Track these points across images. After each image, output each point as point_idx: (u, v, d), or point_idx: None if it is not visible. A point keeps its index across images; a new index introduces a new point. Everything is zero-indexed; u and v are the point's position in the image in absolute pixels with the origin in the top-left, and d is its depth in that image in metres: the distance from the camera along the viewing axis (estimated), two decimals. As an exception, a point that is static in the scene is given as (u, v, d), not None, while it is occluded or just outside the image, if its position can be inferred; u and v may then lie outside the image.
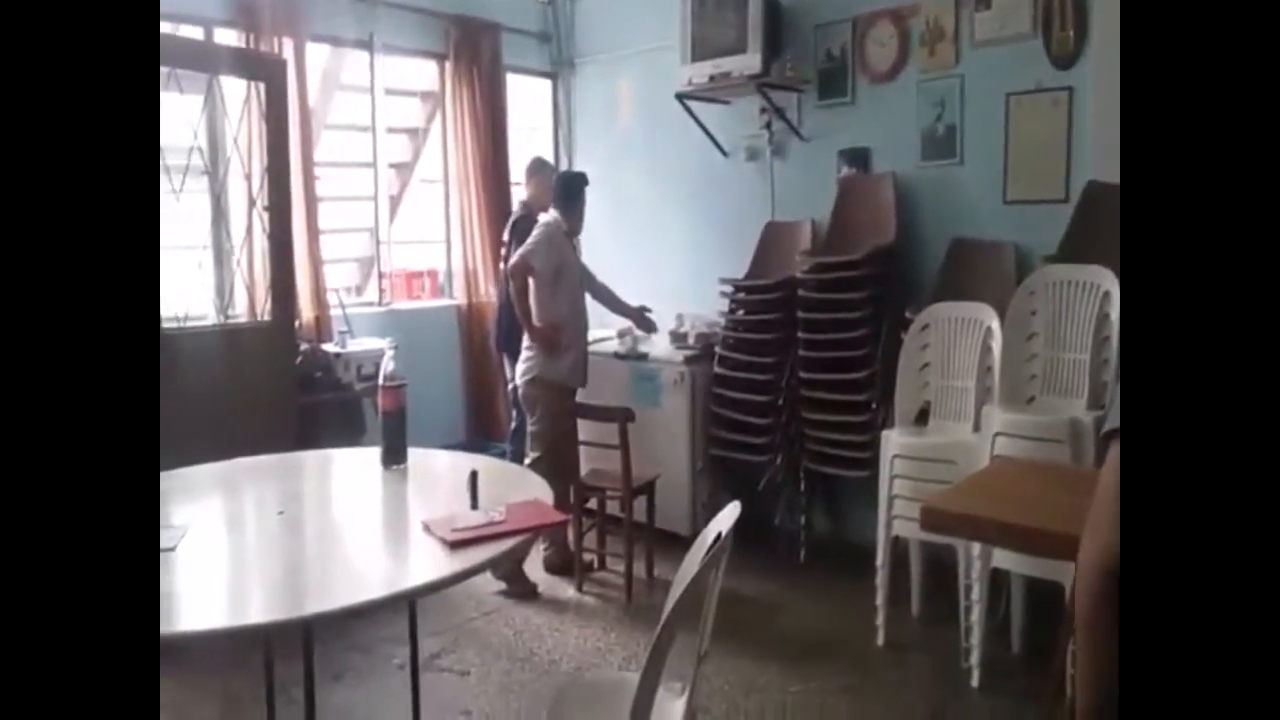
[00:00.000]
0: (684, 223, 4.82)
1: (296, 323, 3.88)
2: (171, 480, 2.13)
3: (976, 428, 3.09)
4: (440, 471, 2.24)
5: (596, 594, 3.67)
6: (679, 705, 1.72)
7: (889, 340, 3.57)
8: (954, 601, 3.04)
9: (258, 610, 1.58)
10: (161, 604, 1.52)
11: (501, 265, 4.28)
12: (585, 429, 3.76)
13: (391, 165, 5.06)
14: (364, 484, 2.21)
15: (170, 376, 3.12)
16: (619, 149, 5.14)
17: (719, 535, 1.66)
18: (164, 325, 3.18)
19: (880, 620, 3.13)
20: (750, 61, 3.99)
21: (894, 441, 3.16)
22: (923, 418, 3.34)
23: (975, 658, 2.83)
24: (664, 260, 4.84)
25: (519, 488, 2.02)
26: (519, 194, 4.77)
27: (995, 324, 3.17)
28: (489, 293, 4.91)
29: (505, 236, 4.33)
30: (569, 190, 3.84)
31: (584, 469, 3.77)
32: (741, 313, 4.04)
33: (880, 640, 3.12)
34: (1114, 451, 0.95)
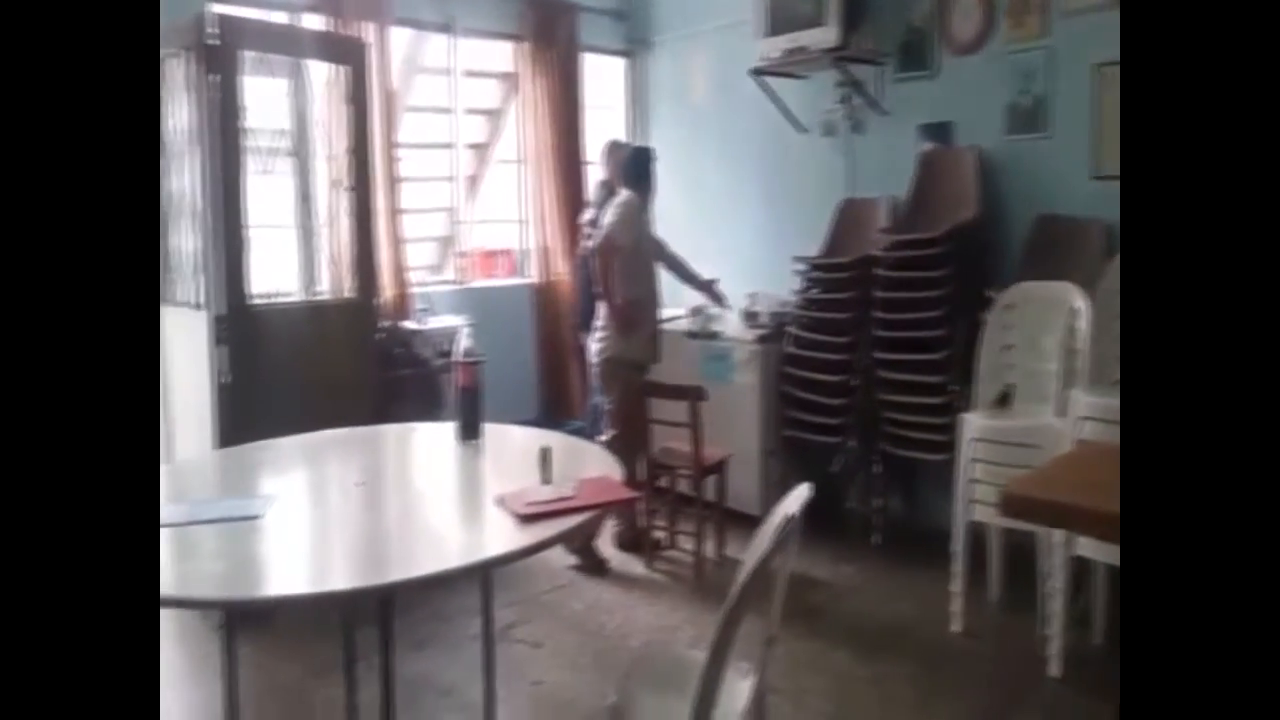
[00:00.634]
0: (758, 201, 4.76)
1: (378, 300, 4.00)
2: (262, 451, 2.23)
3: (1061, 412, 2.99)
4: (514, 446, 2.28)
5: (666, 571, 3.69)
6: (746, 686, 1.72)
7: (970, 320, 3.47)
8: (1033, 589, 2.96)
9: (339, 577, 1.64)
10: (249, 570, 1.60)
11: (583, 244, 4.31)
12: (657, 407, 3.78)
13: (470, 146, 5.14)
14: (440, 457, 2.26)
15: (261, 350, 3.28)
16: (693, 127, 5.11)
17: (789, 517, 1.65)
18: (254, 301, 3.31)
19: (956, 607, 3.07)
20: (828, 35, 3.90)
21: (973, 424, 3.08)
22: (1004, 400, 3.24)
23: (1054, 647, 2.75)
24: (737, 239, 4.80)
25: (590, 464, 2.05)
26: (595, 174, 4.79)
27: (1083, 304, 3.05)
28: (563, 271, 4.96)
29: (586, 217, 4.36)
30: (639, 166, 3.85)
31: (655, 447, 3.79)
32: (816, 291, 3.98)
33: (955, 627, 3.06)
34: None
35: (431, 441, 2.41)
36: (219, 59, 3.15)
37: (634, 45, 5.40)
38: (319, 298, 3.94)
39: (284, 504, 1.84)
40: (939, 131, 3.93)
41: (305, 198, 3.93)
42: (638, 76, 5.45)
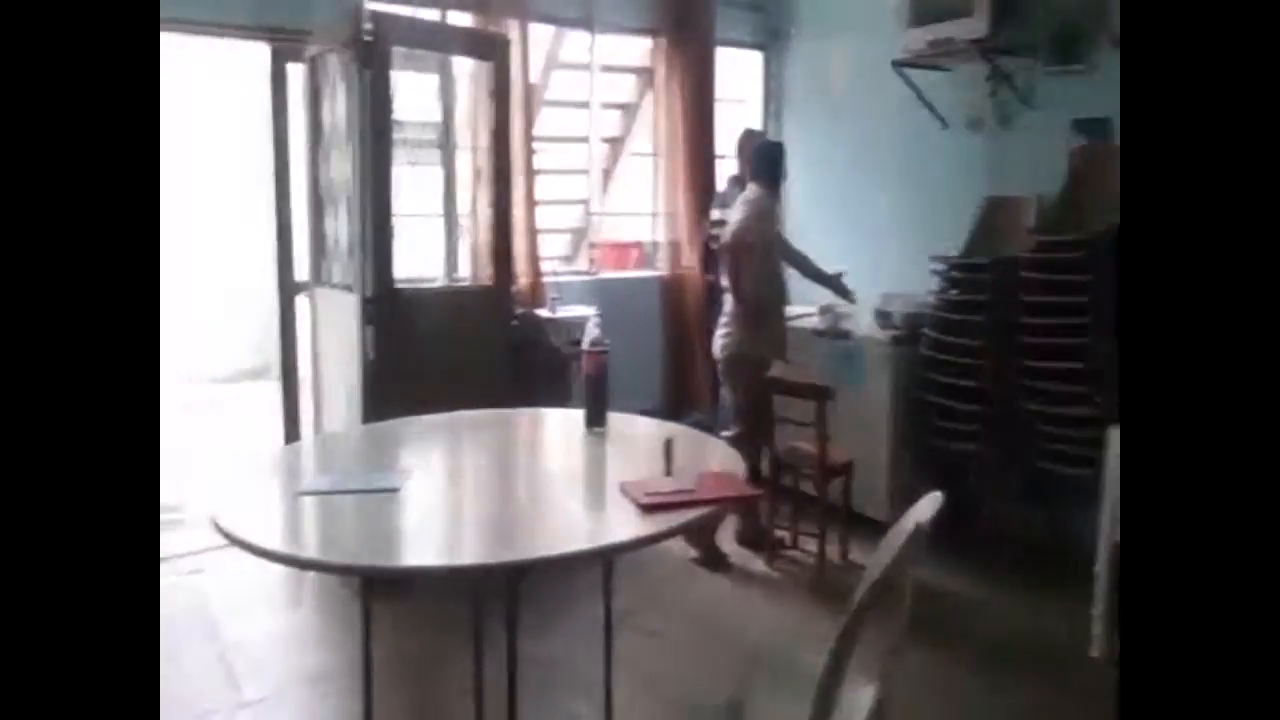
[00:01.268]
0: (895, 197, 4.62)
1: (513, 288, 4.12)
2: (402, 427, 2.35)
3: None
4: (637, 436, 2.30)
5: (786, 571, 3.65)
6: (866, 696, 1.68)
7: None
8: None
9: (470, 552, 1.71)
10: (386, 539, 1.69)
11: (714, 238, 4.30)
12: (783, 405, 3.73)
13: (605, 139, 5.22)
14: (567, 443, 2.31)
15: (404, 331, 3.44)
16: (830, 120, 5.00)
17: (918, 524, 1.60)
18: (399, 285, 3.47)
19: (1097, 630, 2.90)
20: (975, 25, 3.74)
21: (1122, 438, 2.90)
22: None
23: (1206, 682, 2.56)
24: (871, 237, 4.67)
25: (713, 459, 2.04)
26: (726, 169, 4.77)
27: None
28: (691, 264, 4.96)
29: (715, 213, 4.35)
30: (771, 161, 3.81)
31: (780, 445, 3.75)
32: (954, 293, 3.82)
33: (1095, 652, 2.89)
34: None
35: (559, 427, 2.47)
36: (372, 54, 3.32)
37: (770, 38, 5.33)
38: (458, 284, 4.11)
39: (420, 479, 1.93)
40: (1095, 127, 3.70)
41: (449, 188, 4.11)
42: (773, 69, 5.38)
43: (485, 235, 3.95)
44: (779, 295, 3.77)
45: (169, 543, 3.75)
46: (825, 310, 4.22)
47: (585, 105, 4.93)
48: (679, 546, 3.65)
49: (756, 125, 5.23)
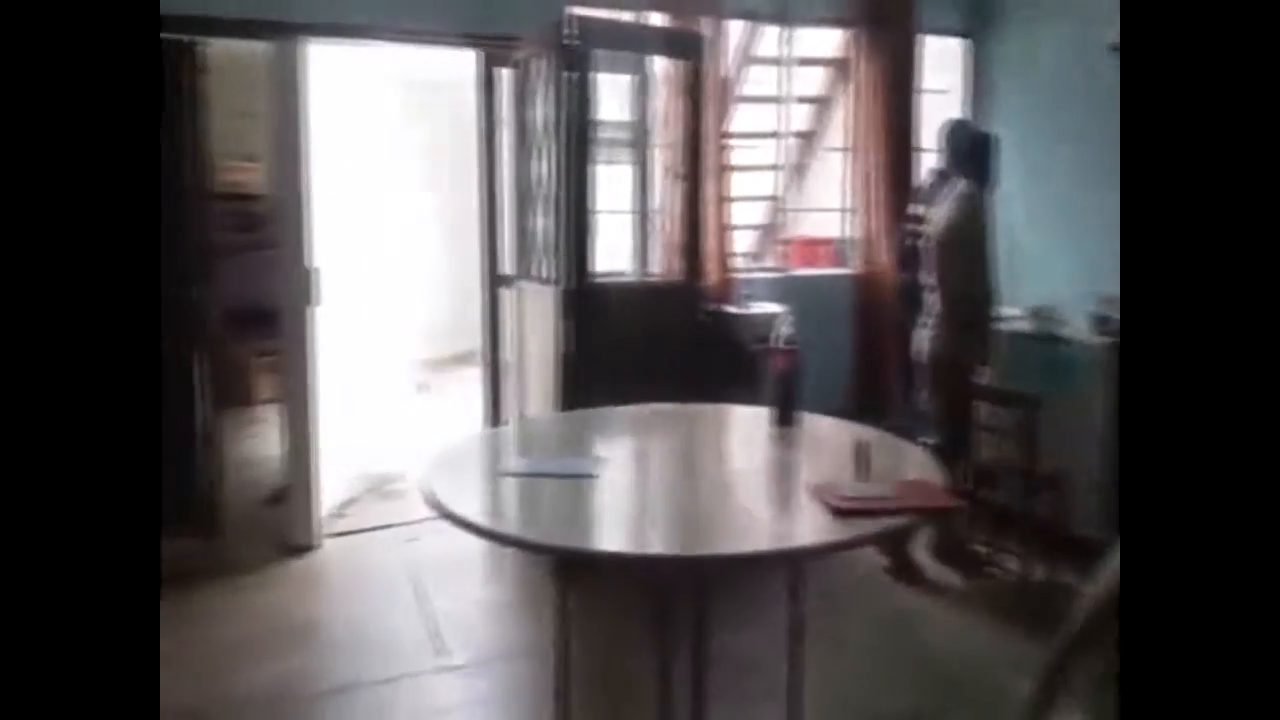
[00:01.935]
0: (1115, 194, 4.22)
1: (703, 283, 4.15)
2: (596, 417, 2.43)
3: None
4: (828, 437, 2.24)
5: (985, 589, 3.44)
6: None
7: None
8: None
9: (659, 543, 1.72)
10: (580, 523, 1.74)
11: (913, 234, 4.12)
12: (987, 413, 3.52)
13: (798, 135, 5.13)
14: (755, 440, 2.28)
15: (599, 323, 3.55)
16: (1041, 110, 4.67)
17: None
18: (596, 279, 3.58)
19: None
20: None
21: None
22: None
23: None
24: (1087, 236, 4.32)
25: (910, 465, 1.95)
26: (927, 162, 4.56)
27: None
28: (887, 263, 4.78)
29: (917, 209, 4.16)
30: (980, 154, 3.58)
31: (983, 455, 3.53)
32: (1186, 295, 3.45)
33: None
34: None
35: (747, 424, 2.44)
36: (575, 57, 3.43)
37: (977, 24, 5.03)
38: (651, 279, 4.18)
39: (613, 467, 1.97)
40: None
41: (642, 185, 4.18)
42: (980, 57, 5.08)
43: (676, 231, 3.99)
44: (988, 296, 3.53)
45: (391, 511, 4.10)
46: (1036, 312, 3.94)
47: (777, 100, 4.86)
48: (869, 555, 3.53)
49: (961, 116, 4.96)
